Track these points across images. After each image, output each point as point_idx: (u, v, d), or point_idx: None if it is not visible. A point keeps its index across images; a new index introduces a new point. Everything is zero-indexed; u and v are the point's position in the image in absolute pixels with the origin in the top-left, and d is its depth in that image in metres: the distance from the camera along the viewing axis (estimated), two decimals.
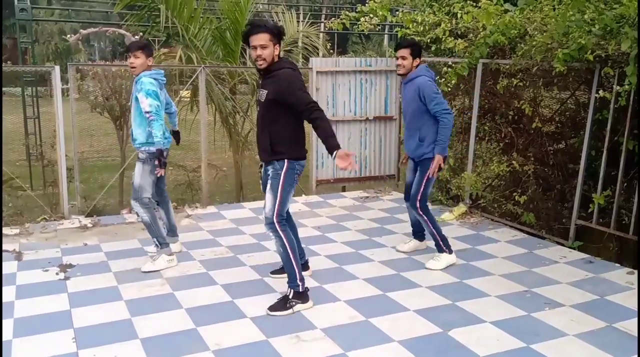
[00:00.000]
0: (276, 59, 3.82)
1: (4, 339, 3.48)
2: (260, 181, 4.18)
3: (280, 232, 3.91)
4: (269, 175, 3.94)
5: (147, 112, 4.45)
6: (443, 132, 4.57)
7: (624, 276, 4.55)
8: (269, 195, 3.92)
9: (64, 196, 6.24)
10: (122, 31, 18.75)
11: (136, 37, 17.73)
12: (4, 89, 15.08)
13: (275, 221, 3.90)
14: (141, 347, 3.42)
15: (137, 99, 4.51)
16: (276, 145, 3.88)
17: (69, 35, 21.28)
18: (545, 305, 3.99)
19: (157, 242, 4.70)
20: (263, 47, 3.72)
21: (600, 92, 4.90)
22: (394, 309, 3.94)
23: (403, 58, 4.67)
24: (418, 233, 5.18)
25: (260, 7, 13.67)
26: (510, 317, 3.81)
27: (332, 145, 3.60)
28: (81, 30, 20.55)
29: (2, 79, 6.02)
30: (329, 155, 3.64)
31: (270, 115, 3.86)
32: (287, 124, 3.86)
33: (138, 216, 4.67)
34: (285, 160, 3.87)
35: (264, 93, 3.86)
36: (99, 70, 7.67)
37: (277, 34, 3.79)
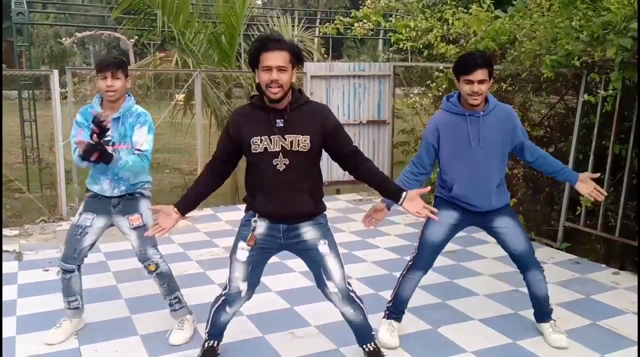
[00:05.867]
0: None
1: (7, 335, 3.58)
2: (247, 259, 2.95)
3: (358, 300, 3.09)
4: (304, 240, 2.93)
5: (143, 151, 3.34)
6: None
7: (610, 276, 4.69)
8: (335, 260, 2.95)
9: (62, 198, 6.33)
10: (117, 34, 18.82)
11: (131, 40, 17.83)
12: None
13: (351, 289, 3.05)
14: (141, 343, 3.53)
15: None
16: (319, 195, 3.02)
17: (64, 39, 21.30)
18: None
19: (180, 300, 3.66)
20: (281, 69, 2.66)
21: (586, 96, 5.04)
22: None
23: (481, 82, 3.20)
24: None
25: (256, 11, 13.79)
26: (498, 315, 3.94)
27: (397, 188, 2.93)
28: (76, 33, 20.60)
29: (1, 82, 6.10)
30: (395, 202, 2.96)
31: (311, 164, 2.91)
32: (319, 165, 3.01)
33: (157, 267, 3.53)
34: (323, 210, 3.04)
35: (297, 139, 2.76)
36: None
37: (297, 55, 2.76)
